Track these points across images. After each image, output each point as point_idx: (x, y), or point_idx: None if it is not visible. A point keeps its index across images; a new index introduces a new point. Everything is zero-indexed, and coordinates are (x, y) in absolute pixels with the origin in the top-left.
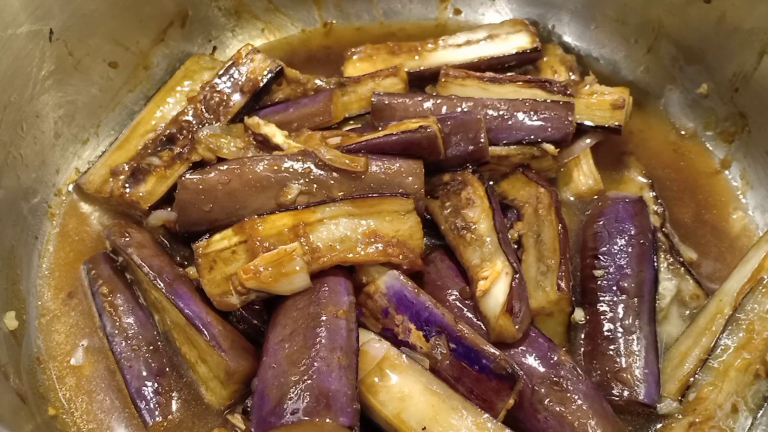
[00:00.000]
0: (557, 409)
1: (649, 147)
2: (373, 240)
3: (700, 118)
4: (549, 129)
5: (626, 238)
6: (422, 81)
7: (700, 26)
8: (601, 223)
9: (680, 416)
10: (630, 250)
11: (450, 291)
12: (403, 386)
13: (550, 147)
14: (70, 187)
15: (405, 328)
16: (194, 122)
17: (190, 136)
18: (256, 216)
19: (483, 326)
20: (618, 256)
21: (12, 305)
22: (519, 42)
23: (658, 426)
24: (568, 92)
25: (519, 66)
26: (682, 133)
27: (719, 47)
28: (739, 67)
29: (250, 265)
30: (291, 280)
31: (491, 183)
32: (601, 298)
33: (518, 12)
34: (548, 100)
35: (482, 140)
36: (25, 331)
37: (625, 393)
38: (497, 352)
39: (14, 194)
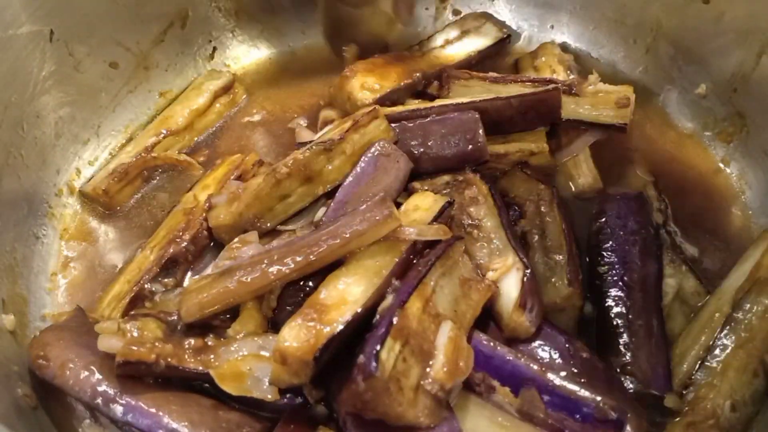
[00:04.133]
0: None
1: (649, 146)
2: (470, 286)
3: (698, 118)
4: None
5: (629, 233)
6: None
7: (698, 26)
8: (603, 220)
9: (679, 416)
10: (633, 245)
11: None
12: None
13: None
14: (77, 184)
15: (488, 386)
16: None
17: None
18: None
19: (494, 323)
20: (621, 251)
21: (12, 305)
22: (490, 32)
23: (657, 425)
24: (573, 91)
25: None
26: (682, 133)
27: (718, 47)
28: (737, 68)
29: (445, 364)
30: (471, 358)
31: (492, 183)
32: (607, 294)
33: (517, 12)
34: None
35: (480, 140)
36: (25, 332)
37: (636, 386)
38: (598, 398)
39: (15, 194)
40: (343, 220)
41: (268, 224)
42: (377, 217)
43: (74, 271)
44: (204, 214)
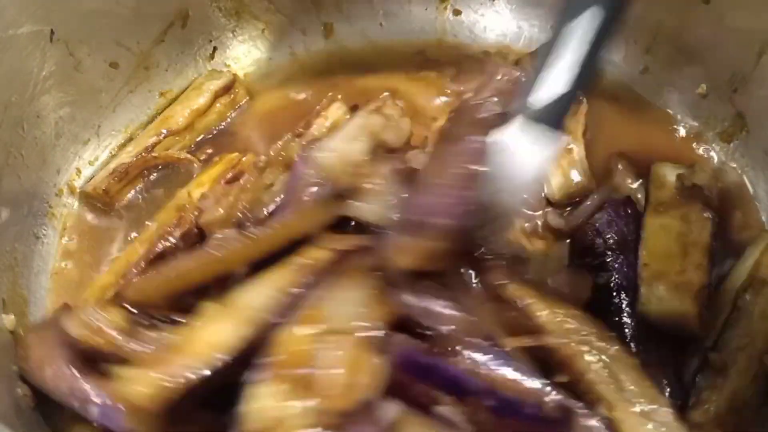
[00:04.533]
0: None
1: (648, 147)
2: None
3: (698, 118)
4: None
5: (623, 241)
6: None
7: (699, 26)
8: (594, 229)
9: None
10: (628, 252)
11: None
12: None
13: None
14: (77, 184)
15: (431, 398)
16: None
17: None
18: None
19: None
20: (618, 261)
21: (12, 305)
22: None
23: None
24: None
25: None
26: (682, 133)
27: (718, 48)
28: (737, 68)
29: (340, 386)
30: (378, 374)
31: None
32: (610, 307)
33: (518, 12)
34: None
35: None
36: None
37: None
38: (542, 393)
39: (15, 194)
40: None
41: (263, 213)
42: (304, 206)
43: (75, 270)
44: (196, 212)
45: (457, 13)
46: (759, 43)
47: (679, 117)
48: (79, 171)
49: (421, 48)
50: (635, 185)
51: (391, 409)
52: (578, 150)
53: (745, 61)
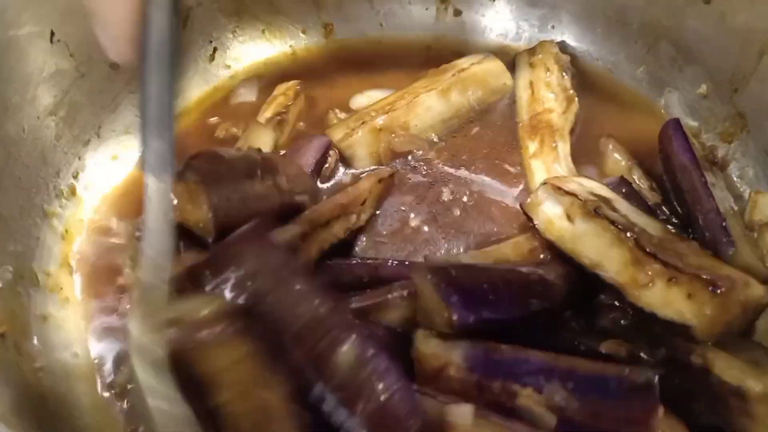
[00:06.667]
0: None
1: (649, 148)
2: None
3: (699, 118)
4: None
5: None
6: None
7: (699, 27)
8: None
9: None
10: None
11: None
12: None
13: None
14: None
15: (509, 392)
16: None
17: None
18: None
19: None
20: None
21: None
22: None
23: None
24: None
25: None
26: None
27: (719, 48)
28: (738, 68)
29: None
30: None
31: None
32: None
33: (518, 12)
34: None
35: None
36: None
37: None
38: (623, 368)
39: (15, 196)
40: None
41: None
42: None
43: (76, 272)
44: None
45: (457, 13)
46: (759, 43)
47: (680, 117)
48: (78, 172)
49: (422, 48)
50: (628, 164)
51: (465, 412)
52: (563, 147)
53: (745, 61)
